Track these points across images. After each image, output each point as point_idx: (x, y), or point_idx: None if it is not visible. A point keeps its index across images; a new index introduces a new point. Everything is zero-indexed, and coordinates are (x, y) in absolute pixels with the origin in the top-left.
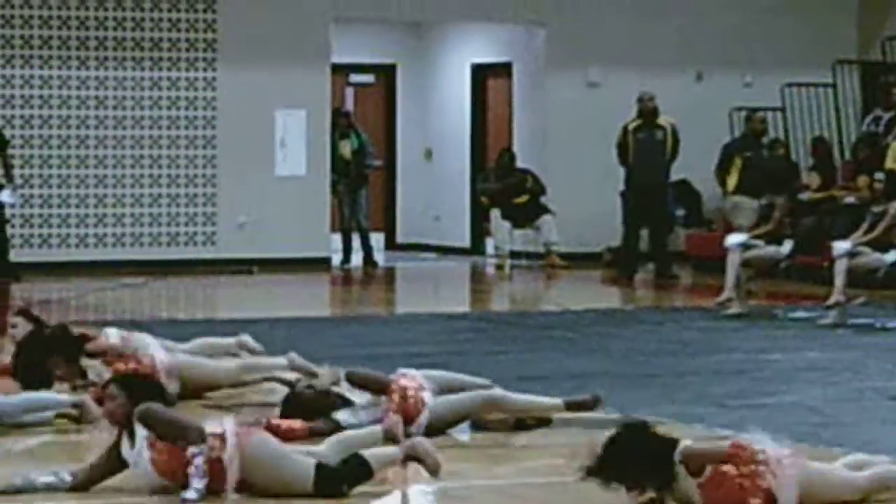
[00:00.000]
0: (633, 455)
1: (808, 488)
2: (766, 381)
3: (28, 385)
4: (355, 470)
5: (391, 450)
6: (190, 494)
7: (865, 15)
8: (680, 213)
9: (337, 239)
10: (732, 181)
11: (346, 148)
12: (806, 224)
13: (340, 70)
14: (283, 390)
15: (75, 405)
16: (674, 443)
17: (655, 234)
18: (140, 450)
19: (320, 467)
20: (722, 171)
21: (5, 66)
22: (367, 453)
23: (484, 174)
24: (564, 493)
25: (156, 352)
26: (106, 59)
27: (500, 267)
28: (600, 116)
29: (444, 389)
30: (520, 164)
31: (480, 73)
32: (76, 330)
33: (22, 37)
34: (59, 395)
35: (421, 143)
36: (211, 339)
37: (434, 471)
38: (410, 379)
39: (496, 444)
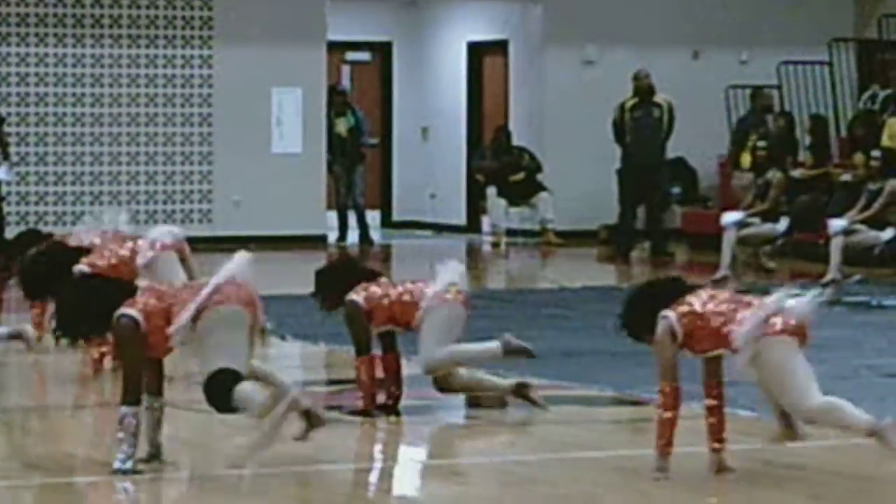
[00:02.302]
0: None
1: (763, 361)
2: None
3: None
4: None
5: None
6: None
7: None
8: (676, 190)
9: (333, 217)
10: (747, 159)
11: (342, 126)
12: (802, 202)
13: (336, 48)
14: None
15: (13, 335)
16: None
17: (651, 212)
18: None
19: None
20: (736, 148)
21: (0, 44)
22: None
23: (480, 152)
24: (560, 469)
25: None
26: (102, 36)
27: (496, 244)
28: (596, 94)
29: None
30: (516, 141)
31: (476, 51)
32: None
33: (18, 14)
34: None
35: (417, 120)
36: None
37: None
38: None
39: (489, 421)
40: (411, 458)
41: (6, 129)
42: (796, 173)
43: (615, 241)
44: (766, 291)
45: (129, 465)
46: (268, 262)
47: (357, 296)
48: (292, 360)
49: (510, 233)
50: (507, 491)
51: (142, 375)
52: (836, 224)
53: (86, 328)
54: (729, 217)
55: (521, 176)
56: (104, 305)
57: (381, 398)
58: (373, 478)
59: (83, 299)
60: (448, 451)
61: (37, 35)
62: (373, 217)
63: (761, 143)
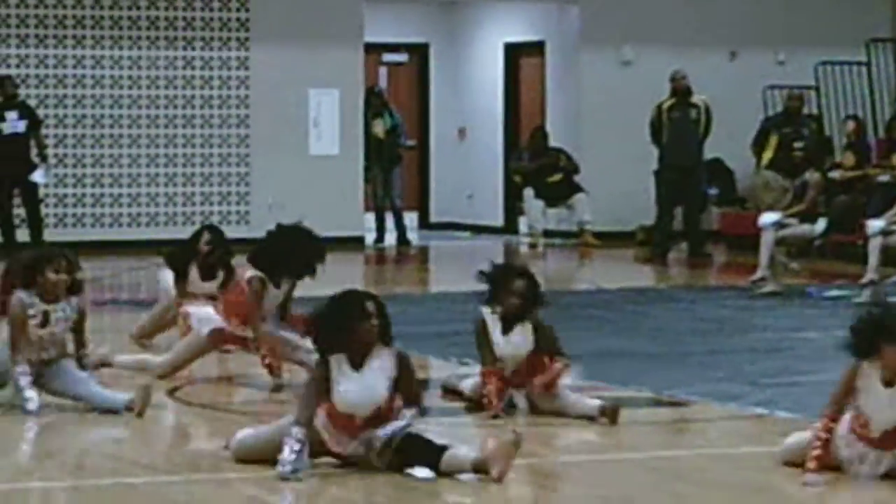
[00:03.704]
0: None
1: None
2: (800, 360)
3: None
4: None
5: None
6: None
7: None
8: (713, 191)
9: (370, 218)
10: (767, 157)
11: (380, 127)
12: (840, 202)
13: (373, 49)
14: None
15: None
16: None
17: (689, 213)
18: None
19: None
20: (758, 145)
21: (38, 46)
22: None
23: (517, 153)
24: (598, 470)
25: None
26: (139, 38)
27: (533, 246)
28: (633, 95)
29: None
30: (553, 142)
31: (513, 52)
32: None
33: (55, 17)
34: None
35: (454, 122)
36: None
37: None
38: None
39: (524, 423)
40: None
41: (44, 131)
42: (835, 174)
43: (652, 243)
44: (803, 292)
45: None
46: None
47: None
48: None
49: (547, 234)
50: (544, 492)
51: None
52: (874, 225)
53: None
54: (767, 218)
55: (558, 177)
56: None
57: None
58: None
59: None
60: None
61: (74, 37)
62: (410, 218)
63: (798, 145)
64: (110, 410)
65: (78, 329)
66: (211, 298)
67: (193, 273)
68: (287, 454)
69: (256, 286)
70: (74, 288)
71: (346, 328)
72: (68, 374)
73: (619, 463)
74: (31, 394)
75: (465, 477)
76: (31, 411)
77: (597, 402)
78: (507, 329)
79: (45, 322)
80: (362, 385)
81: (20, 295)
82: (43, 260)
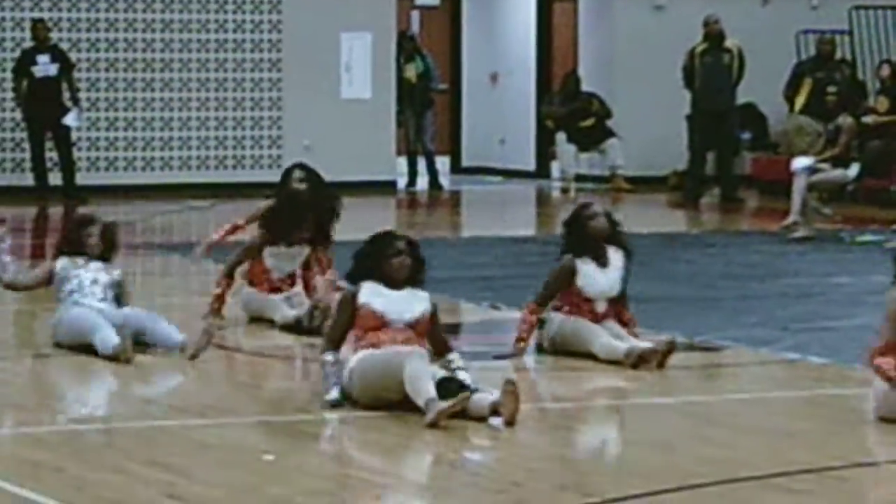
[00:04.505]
0: None
1: None
2: (832, 305)
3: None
4: None
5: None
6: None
7: None
8: (746, 136)
9: (402, 162)
10: (800, 101)
11: (412, 71)
12: (873, 147)
13: None
14: None
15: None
16: None
17: (721, 158)
18: None
19: None
20: (791, 90)
21: None
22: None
23: (549, 97)
24: (630, 415)
25: None
26: None
27: (565, 190)
28: (666, 40)
29: None
30: (585, 87)
31: None
32: None
33: None
34: None
35: (486, 66)
36: None
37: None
38: None
39: (563, 367)
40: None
41: (76, 74)
42: (868, 119)
43: (685, 187)
44: (836, 237)
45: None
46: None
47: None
48: None
49: (579, 178)
50: (576, 436)
51: None
52: None
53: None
54: (799, 162)
55: (590, 122)
56: None
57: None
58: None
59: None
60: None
61: None
62: (442, 163)
63: (831, 89)
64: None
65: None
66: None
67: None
68: (329, 381)
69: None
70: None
71: (378, 262)
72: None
73: (651, 407)
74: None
75: (495, 422)
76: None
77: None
78: (602, 263)
79: None
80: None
81: None
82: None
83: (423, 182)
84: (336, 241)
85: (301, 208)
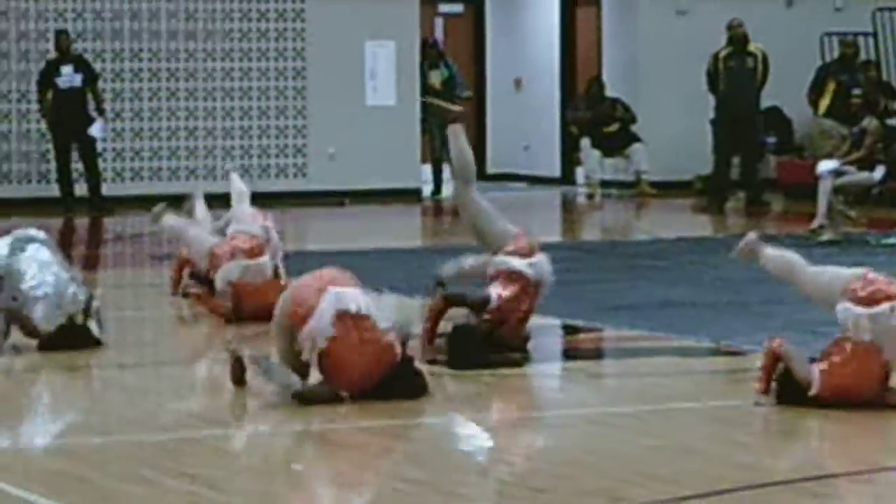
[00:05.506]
0: None
1: None
2: None
3: None
4: None
5: None
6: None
7: None
8: (771, 140)
9: (427, 170)
10: (824, 104)
11: (436, 78)
12: None
13: (429, 0)
14: None
15: None
16: None
17: (746, 162)
18: None
19: None
20: (815, 93)
21: (94, 0)
22: None
23: (573, 103)
24: (656, 420)
25: None
26: None
27: (590, 196)
28: (690, 44)
29: None
30: (609, 92)
31: (569, 2)
32: None
33: None
34: None
35: (510, 72)
36: None
37: None
38: None
39: (586, 373)
40: (507, 409)
41: (101, 85)
42: (893, 121)
43: (710, 192)
44: (862, 240)
45: None
46: (362, 215)
47: None
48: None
49: (604, 184)
50: (603, 442)
51: None
52: None
53: None
54: (824, 165)
55: (615, 127)
56: None
57: None
58: (465, 430)
59: None
60: (544, 402)
61: None
62: None
63: (856, 91)
64: None
65: None
66: None
67: None
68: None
69: None
70: None
71: None
72: None
73: (677, 412)
74: None
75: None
76: None
77: None
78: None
79: None
80: None
81: None
82: None
83: (448, 189)
84: (363, 250)
85: None
